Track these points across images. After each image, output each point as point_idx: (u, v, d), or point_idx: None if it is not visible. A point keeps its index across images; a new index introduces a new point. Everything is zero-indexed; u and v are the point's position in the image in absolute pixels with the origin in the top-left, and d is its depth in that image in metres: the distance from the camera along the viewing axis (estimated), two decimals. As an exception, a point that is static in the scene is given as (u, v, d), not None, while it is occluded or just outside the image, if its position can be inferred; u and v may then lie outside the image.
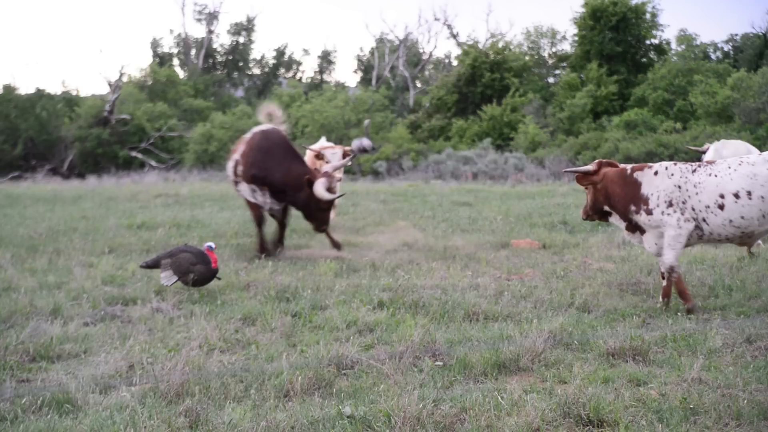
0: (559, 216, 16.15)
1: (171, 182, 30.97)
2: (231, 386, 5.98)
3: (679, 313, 8.17)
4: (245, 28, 58.23)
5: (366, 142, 12.35)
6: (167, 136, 44.43)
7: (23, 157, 42.59)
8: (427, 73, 58.67)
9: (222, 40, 58.63)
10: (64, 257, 11.32)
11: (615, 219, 8.87)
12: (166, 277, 9.23)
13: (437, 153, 37.67)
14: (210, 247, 9.32)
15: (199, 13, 57.36)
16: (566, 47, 49.62)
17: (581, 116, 40.22)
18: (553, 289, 9.39)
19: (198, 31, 57.63)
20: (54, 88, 49.21)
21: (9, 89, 44.83)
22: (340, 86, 55.18)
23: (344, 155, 15.02)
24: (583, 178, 8.82)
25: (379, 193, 22.43)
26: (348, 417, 5.33)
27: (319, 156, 15.13)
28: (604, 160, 8.98)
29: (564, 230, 14.43)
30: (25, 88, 47.32)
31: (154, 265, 9.49)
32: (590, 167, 8.82)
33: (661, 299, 8.57)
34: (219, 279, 9.46)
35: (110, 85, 48.29)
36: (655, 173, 8.50)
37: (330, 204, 12.13)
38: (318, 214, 12.11)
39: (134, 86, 48.79)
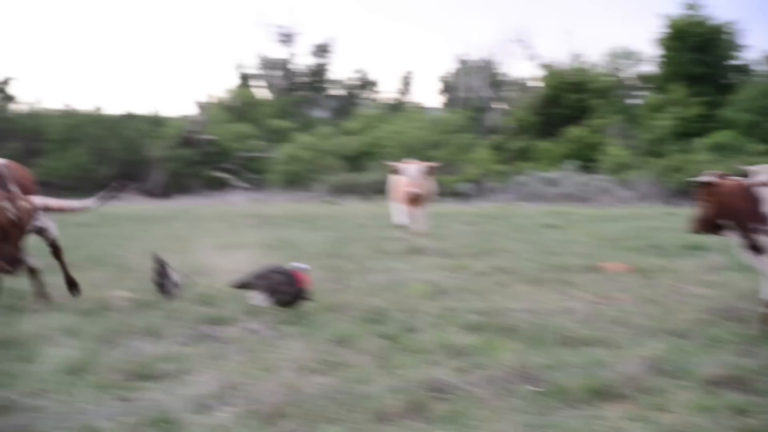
0: (649, 239, 15.92)
1: (257, 202, 31.30)
2: (326, 408, 5.99)
3: (779, 341, 7.98)
4: (327, 49, 58.68)
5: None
6: (252, 156, 44.91)
7: (112, 177, 43.43)
8: (509, 94, 58.47)
9: (304, 61, 59.17)
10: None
11: (731, 234, 8.54)
12: (256, 297, 9.29)
13: (522, 174, 37.53)
14: (300, 267, 9.35)
15: (282, 35, 57.98)
16: (650, 68, 49.10)
17: (666, 138, 39.74)
18: (646, 314, 9.24)
19: (281, 53, 58.11)
20: (142, 110, 50.21)
21: (98, 110, 45.87)
22: (421, 107, 55.29)
23: (425, 170, 15.29)
24: (704, 189, 8.55)
25: (465, 214, 22.39)
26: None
27: (396, 171, 15.56)
28: (721, 172, 8.75)
29: (655, 254, 14.21)
30: (113, 110, 48.37)
31: (244, 285, 9.56)
32: (710, 178, 8.55)
33: (761, 326, 8.36)
34: (309, 300, 9.48)
35: (196, 106, 49.03)
36: None
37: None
38: None
39: (219, 107, 49.48)
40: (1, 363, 7.25)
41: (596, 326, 8.60)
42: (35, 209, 9.14)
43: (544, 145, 43.36)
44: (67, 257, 10.44)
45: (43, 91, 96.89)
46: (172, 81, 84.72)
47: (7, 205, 8.73)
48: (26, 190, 9.60)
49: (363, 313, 9.13)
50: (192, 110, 49.98)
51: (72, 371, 6.91)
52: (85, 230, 17.60)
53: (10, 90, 48.26)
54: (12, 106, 48.24)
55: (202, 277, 11.51)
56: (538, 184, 35.22)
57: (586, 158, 40.77)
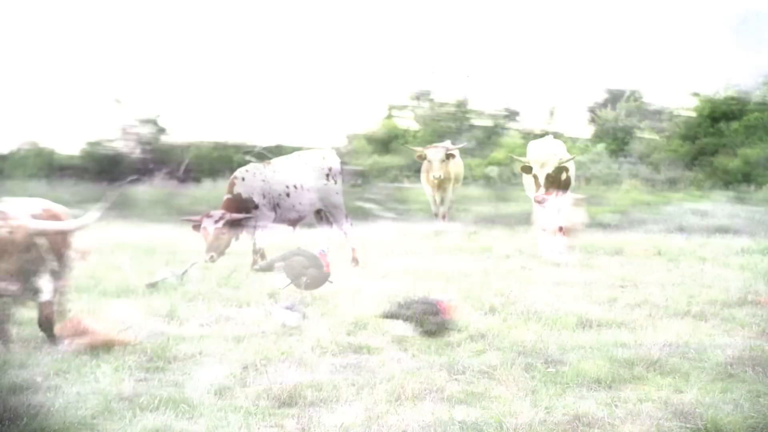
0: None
1: (401, 232, 31.44)
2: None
3: None
4: (473, 79, 58.85)
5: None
6: (397, 186, 45.27)
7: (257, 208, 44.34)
8: (660, 123, 57.48)
9: (451, 92, 59.44)
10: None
11: None
12: (400, 326, 9.34)
13: (671, 205, 36.75)
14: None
15: (430, 65, 58.43)
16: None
17: (828, 167, 38.33)
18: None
19: (428, 84, 58.58)
20: (289, 141, 51.06)
21: (246, 142, 46.99)
22: (568, 137, 54.81)
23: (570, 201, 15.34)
24: None
25: (612, 246, 22.00)
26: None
27: (540, 202, 16.06)
28: None
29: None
30: (261, 141, 49.39)
31: (390, 315, 9.61)
32: None
33: None
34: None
35: (343, 137, 49.76)
36: None
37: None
38: None
39: (365, 138, 50.13)
40: (152, 386, 7.46)
41: (751, 361, 8.32)
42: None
43: (694, 175, 42.39)
44: (221, 282, 10.72)
45: (193, 122, 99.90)
46: (319, 112, 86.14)
47: None
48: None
49: (508, 344, 9.05)
50: (338, 142, 50.77)
51: (221, 396, 7.06)
52: (237, 259, 18.00)
53: (162, 122, 49.98)
54: (164, 138, 49.92)
55: (349, 305, 11.63)
56: (688, 215, 34.39)
57: (740, 189, 39.60)
